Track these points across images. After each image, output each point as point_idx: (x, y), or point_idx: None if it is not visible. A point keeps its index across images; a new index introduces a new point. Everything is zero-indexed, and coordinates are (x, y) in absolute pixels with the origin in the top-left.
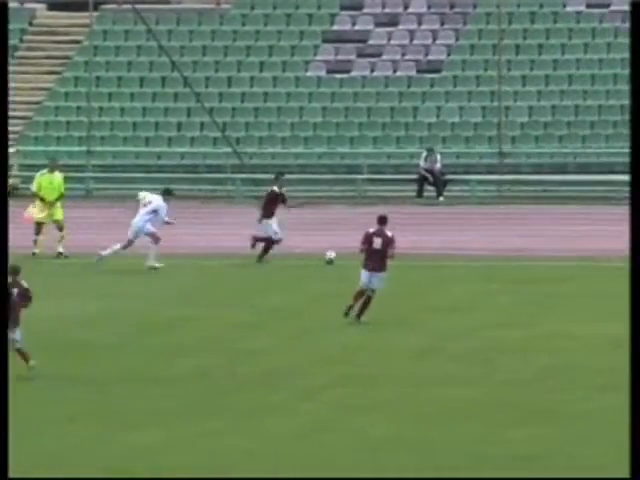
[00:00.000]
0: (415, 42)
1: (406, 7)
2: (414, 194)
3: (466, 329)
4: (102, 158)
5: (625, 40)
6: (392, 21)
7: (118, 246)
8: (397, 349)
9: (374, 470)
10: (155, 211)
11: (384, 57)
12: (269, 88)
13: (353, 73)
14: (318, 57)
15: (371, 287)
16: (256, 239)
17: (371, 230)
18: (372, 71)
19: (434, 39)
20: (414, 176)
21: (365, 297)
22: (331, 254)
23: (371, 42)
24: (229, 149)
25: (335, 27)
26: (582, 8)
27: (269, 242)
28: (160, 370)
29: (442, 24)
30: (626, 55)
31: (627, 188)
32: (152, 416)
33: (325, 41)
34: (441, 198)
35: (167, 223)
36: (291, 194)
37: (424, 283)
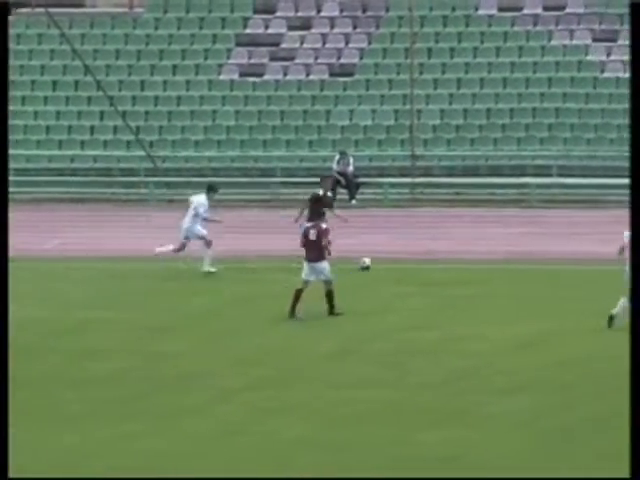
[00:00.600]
0: (328, 45)
1: (319, 11)
2: None
3: (379, 331)
4: (15, 162)
5: (536, 43)
6: (305, 25)
7: (171, 247)
8: (312, 351)
9: (288, 471)
10: (195, 209)
11: (297, 60)
12: (182, 92)
13: (266, 76)
14: (231, 60)
15: (312, 280)
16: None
17: (308, 224)
18: (285, 74)
19: (347, 43)
20: None
21: (325, 292)
22: (366, 260)
23: (284, 45)
24: (142, 152)
25: (248, 30)
26: (494, 12)
27: None
28: (75, 373)
29: (355, 28)
30: (538, 58)
31: (538, 190)
32: (67, 419)
33: (238, 44)
34: (354, 201)
35: (206, 220)
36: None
37: (337, 286)
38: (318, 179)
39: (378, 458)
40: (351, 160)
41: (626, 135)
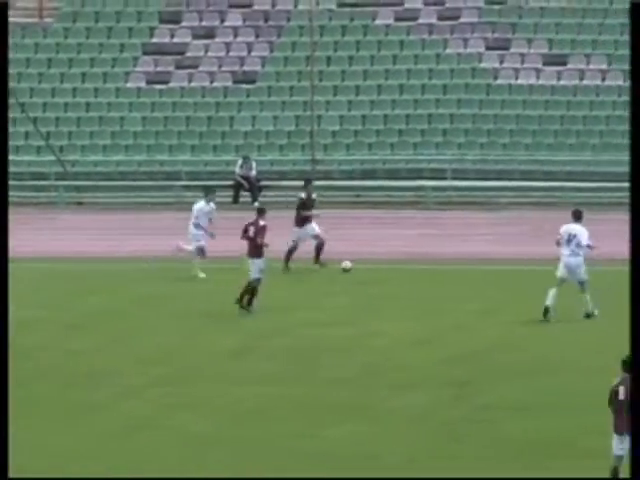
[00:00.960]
0: (231, 54)
1: (222, 20)
2: (230, 200)
3: (283, 328)
4: None
5: (431, 52)
6: (209, 34)
7: (190, 248)
8: (216, 348)
9: (195, 468)
10: (196, 217)
11: (201, 68)
12: (91, 98)
13: (172, 84)
14: (138, 68)
15: (255, 277)
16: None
17: (249, 221)
18: (190, 82)
19: (249, 51)
20: (230, 182)
21: (250, 288)
22: (347, 264)
23: (189, 54)
24: (53, 157)
25: (154, 39)
26: (390, 21)
27: (318, 248)
28: None
29: (257, 36)
30: (433, 66)
31: (434, 193)
32: None
33: (145, 53)
34: (256, 203)
35: (205, 231)
36: (112, 200)
37: (239, 285)
38: (221, 182)
39: (281, 454)
40: (254, 164)
41: (518, 139)
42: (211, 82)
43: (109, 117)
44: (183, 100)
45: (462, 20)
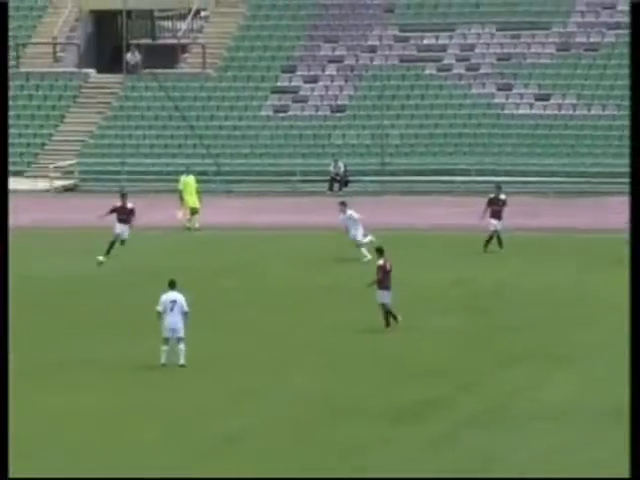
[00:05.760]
0: (329, 93)
1: (323, 71)
2: (326, 189)
3: None
4: None
5: (461, 92)
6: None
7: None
8: None
9: None
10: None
11: (310, 102)
12: (237, 122)
13: (290, 113)
14: (267, 103)
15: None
16: None
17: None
18: (302, 111)
19: (341, 91)
20: (327, 178)
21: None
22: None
23: (301, 93)
24: (211, 160)
25: (278, 83)
26: (434, 72)
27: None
28: None
29: (346, 81)
30: (461, 101)
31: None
32: None
33: (272, 92)
34: (340, 193)
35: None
36: (252, 189)
37: None
38: None
39: None
40: (341, 165)
41: (515, 149)
42: (316, 111)
43: (249, 134)
44: (297, 124)
45: (481, 71)
